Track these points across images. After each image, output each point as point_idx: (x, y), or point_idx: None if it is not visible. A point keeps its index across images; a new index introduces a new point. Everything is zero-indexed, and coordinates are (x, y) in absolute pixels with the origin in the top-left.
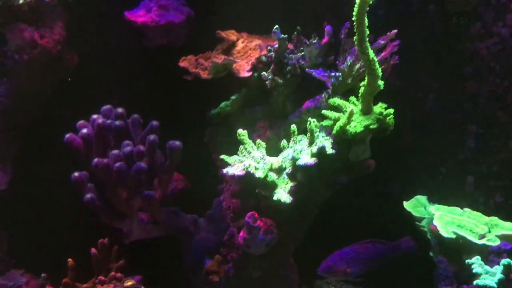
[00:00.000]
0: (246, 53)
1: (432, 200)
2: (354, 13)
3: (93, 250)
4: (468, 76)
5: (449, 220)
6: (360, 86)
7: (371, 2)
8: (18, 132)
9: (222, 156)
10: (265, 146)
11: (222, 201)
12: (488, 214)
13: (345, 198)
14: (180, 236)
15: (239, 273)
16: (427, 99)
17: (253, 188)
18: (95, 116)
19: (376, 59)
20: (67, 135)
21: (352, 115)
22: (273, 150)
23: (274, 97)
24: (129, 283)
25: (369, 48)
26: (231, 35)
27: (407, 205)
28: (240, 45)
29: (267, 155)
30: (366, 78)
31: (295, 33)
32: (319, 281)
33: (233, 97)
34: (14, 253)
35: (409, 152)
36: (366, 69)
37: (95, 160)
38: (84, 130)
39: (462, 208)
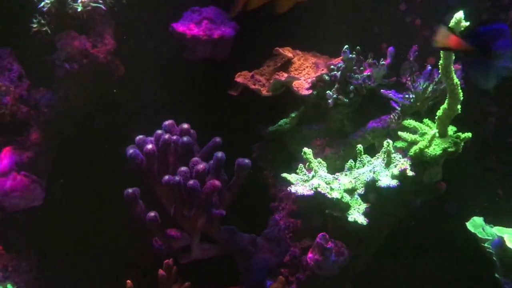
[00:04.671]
0: (304, 70)
1: (487, 221)
2: None
3: (161, 271)
4: None
5: None
6: (440, 109)
7: (462, 29)
8: (55, 145)
9: (284, 175)
10: (325, 165)
11: (278, 220)
12: None
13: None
14: (239, 256)
15: None
16: (486, 123)
17: (318, 208)
18: (159, 132)
19: (459, 83)
20: (131, 151)
21: (434, 138)
22: (331, 168)
23: (332, 115)
24: None
25: (453, 72)
26: (287, 52)
27: (468, 226)
28: (296, 62)
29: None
30: (447, 101)
31: (354, 53)
32: None
33: (292, 115)
34: (45, 271)
35: (467, 173)
36: (448, 92)
37: (166, 177)
38: (149, 146)
39: None
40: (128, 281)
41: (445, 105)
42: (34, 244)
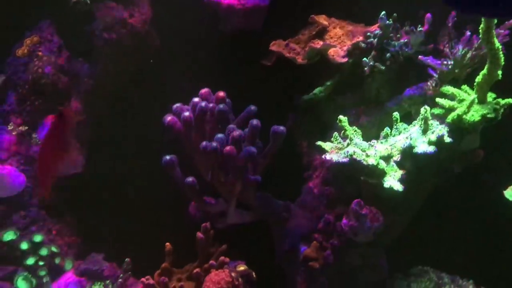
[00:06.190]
0: (339, 38)
1: None
2: None
3: (199, 234)
4: None
5: None
6: (479, 74)
7: None
8: (94, 113)
9: (319, 143)
10: (361, 133)
11: (312, 188)
12: None
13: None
14: (273, 221)
15: (340, 260)
16: None
17: (352, 176)
18: (196, 100)
19: (500, 47)
20: (169, 118)
21: (473, 104)
22: (366, 137)
23: (368, 84)
24: (242, 268)
25: (495, 37)
26: (323, 20)
27: (505, 194)
28: (332, 30)
29: None
30: (486, 66)
31: (391, 19)
32: (414, 269)
33: (327, 83)
34: (85, 236)
35: (505, 141)
36: (489, 57)
37: (203, 144)
38: (186, 114)
39: None
40: (167, 243)
41: (484, 71)
42: (76, 210)
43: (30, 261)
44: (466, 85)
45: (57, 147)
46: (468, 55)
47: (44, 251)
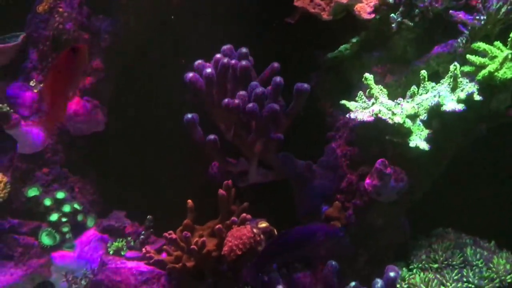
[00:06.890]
0: None
1: None
2: None
3: (221, 191)
4: None
5: None
6: None
7: None
8: (115, 71)
9: (343, 102)
10: (387, 92)
11: (335, 148)
12: None
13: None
14: (295, 181)
15: (362, 220)
16: None
17: (377, 136)
18: (218, 56)
19: None
20: (190, 75)
21: (506, 61)
22: (392, 96)
23: (395, 42)
24: (264, 225)
25: None
26: None
27: None
28: None
29: None
30: None
31: None
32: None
33: (353, 40)
34: (107, 195)
35: None
36: None
37: (226, 100)
38: (208, 70)
39: None
40: (189, 200)
41: None
42: (98, 168)
43: (54, 217)
44: (498, 42)
45: (62, 80)
46: (503, 10)
47: (67, 208)
